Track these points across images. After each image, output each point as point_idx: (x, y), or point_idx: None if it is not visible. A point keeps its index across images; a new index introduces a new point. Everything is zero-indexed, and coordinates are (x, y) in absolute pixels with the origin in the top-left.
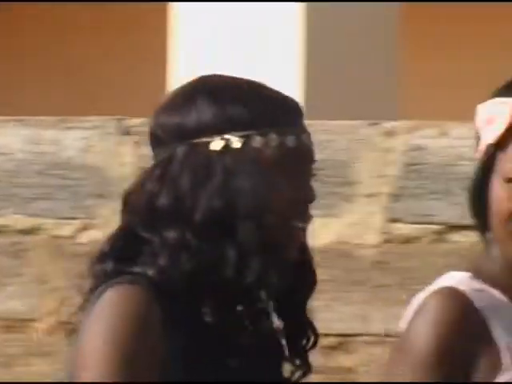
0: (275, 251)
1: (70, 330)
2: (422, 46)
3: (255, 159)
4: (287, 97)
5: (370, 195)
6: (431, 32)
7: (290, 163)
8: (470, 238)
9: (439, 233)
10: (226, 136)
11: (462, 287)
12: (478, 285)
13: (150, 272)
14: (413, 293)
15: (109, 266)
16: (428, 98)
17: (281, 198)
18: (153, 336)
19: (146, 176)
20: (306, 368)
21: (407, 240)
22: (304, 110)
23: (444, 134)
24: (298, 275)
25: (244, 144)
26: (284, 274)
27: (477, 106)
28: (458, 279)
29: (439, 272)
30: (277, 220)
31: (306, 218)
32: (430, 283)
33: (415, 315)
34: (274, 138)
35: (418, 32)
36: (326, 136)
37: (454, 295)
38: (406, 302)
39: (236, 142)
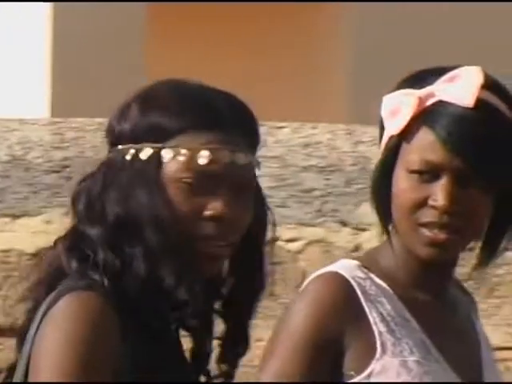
0: (185, 260)
1: (18, 333)
2: (168, 45)
3: (157, 172)
4: (223, 112)
5: None
6: (178, 31)
7: (197, 180)
8: None
9: None
10: (139, 146)
11: (344, 273)
12: (362, 274)
13: (104, 278)
14: None
15: (73, 264)
16: None
17: (179, 214)
18: (108, 342)
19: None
20: (229, 376)
21: None
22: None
23: None
24: (242, 281)
25: (151, 156)
26: (199, 284)
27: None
28: (343, 266)
29: None
30: (179, 234)
31: (214, 233)
32: None
33: (296, 297)
34: (184, 153)
35: (165, 31)
36: (75, 133)
37: (334, 279)
38: None
39: (144, 153)
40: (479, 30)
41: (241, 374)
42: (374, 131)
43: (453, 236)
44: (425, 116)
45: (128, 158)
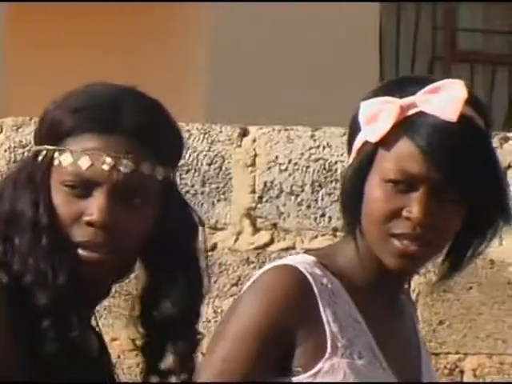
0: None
1: None
2: (29, 45)
3: (45, 174)
4: (118, 119)
5: None
6: (39, 31)
7: (78, 184)
8: None
9: None
10: (41, 148)
11: (302, 267)
12: (319, 270)
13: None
14: None
15: None
16: (34, 94)
17: (58, 217)
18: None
19: None
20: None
21: None
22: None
23: None
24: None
25: (44, 158)
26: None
27: (359, 103)
28: (301, 260)
29: None
30: (55, 238)
31: (90, 238)
32: None
33: (247, 288)
34: (67, 156)
35: (25, 31)
36: None
37: (290, 271)
38: None
39: (41, 155)
40: (333, 31)
41: None
42: (229, 130)
43: (423, 248)
44: (405, 126)
45: (39, 158)
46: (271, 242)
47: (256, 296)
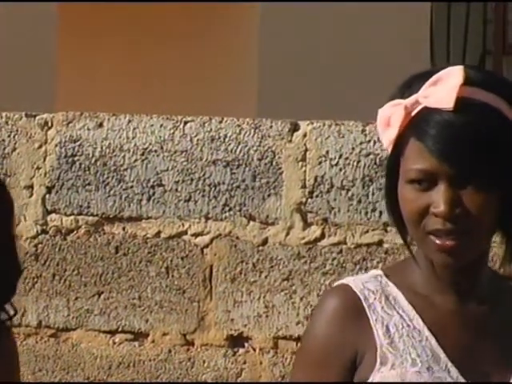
0: None
1: None
2: (75, 40)
3: None
4: None
5: (27, 187)
6: (86, 28)
7: None
8: (127, 229)
9: (95, 224)
10: None
11: (356, 284)
12: (375, 284)
13: None
14: (69, 284)
15: None
16: (83, 90)
17: None
18: None
19: None
20: None
21: (63, 231)
22: None
23: (100, 126)
24: None
25: None
26: None
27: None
28: (359, 277)
29: (95, 263)
30: None
31: None
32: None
33: (312, 312)
34: None
35: (72, 26)
36: None
37: (340, 292)
38: (63, 294)
39: None
40: (385, 27)
41: None
42: (280, 125)
43: (460, 241)
44: (412, 126)
45: None
46: (322, 236)
47: (313, 320)
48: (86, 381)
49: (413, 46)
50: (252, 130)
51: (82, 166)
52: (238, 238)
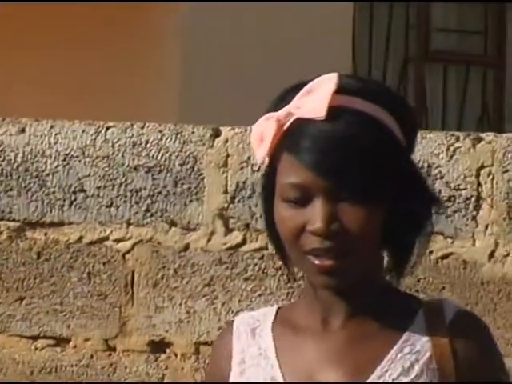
0: None
1: None
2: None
3: None
4: None
5: None
6: (2, 30)
7: None
8: (49, 234)
9: (17, 230)
10: None
11: (239, 319)
12: (256, 317)
13: None
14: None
15: None
16: (6, 94)
17: None
18: None
19: None
20: None
21: None
22: None
23: (22, 131)
24: None
25: None
26: None
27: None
28: (254, 312)
29: (17, 268)
30: None
31: None
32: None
33: None
34: None
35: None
36: None
37: (224, 328)
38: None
39: None
40: (307, 30)
41: None
42: (202, 131)
43: (341, 261)
44: (285, 140)
45: None
46: (244, 242)
47: None
48: None
49: (335, 50)
50: (174, 136)
51: (4, 171)
52: (159, 243)
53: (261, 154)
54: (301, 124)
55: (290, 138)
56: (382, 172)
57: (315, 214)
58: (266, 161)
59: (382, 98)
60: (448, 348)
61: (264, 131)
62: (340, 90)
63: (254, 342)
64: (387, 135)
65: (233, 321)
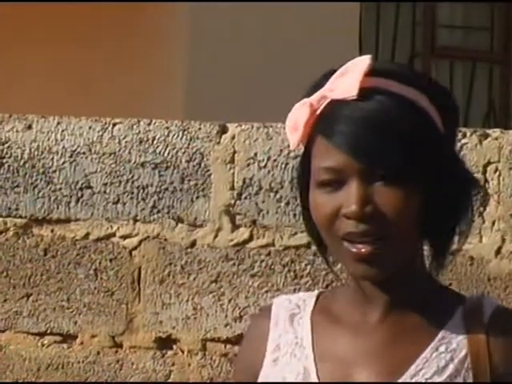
0: None
1: None
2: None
3: None
4: None
5: None
6: (8, 27)
7: None
8: (55, 231)
9: (23, 226)
10: None
11: (276, 301)
12: (294, 302)
13: None
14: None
15: None
16: (13, 91)
17: None
18: None
19: None
20: None
21: None
22: None
23: (29, 128)
24: None
25: None
26: None
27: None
28: (290, 296)
29: (23, 265)
30: None
31: None
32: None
33: None
34: None
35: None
36: None
37: (261, 311)
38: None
39: None
40: (313, 29)
41: None
42: (208, 127)
43: (377, 246)
44: (318, 123)
45: None
46: (250, 238)
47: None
48: (14, 382)
49: (341, 48)
50: (180, 132)
51: (11, 167)
52: (166, 240)
53: (295, 140)
54: (334, 106)
55: (324, 122)
56: (416, 153)
57: (349, 196)
58: (301, 147)
59: (419, 83)
60: (484, 346)
61: (298, 117)
62: (375, 73)
63: (291, 329)
64: (423, 117)
65: (271, 305)
